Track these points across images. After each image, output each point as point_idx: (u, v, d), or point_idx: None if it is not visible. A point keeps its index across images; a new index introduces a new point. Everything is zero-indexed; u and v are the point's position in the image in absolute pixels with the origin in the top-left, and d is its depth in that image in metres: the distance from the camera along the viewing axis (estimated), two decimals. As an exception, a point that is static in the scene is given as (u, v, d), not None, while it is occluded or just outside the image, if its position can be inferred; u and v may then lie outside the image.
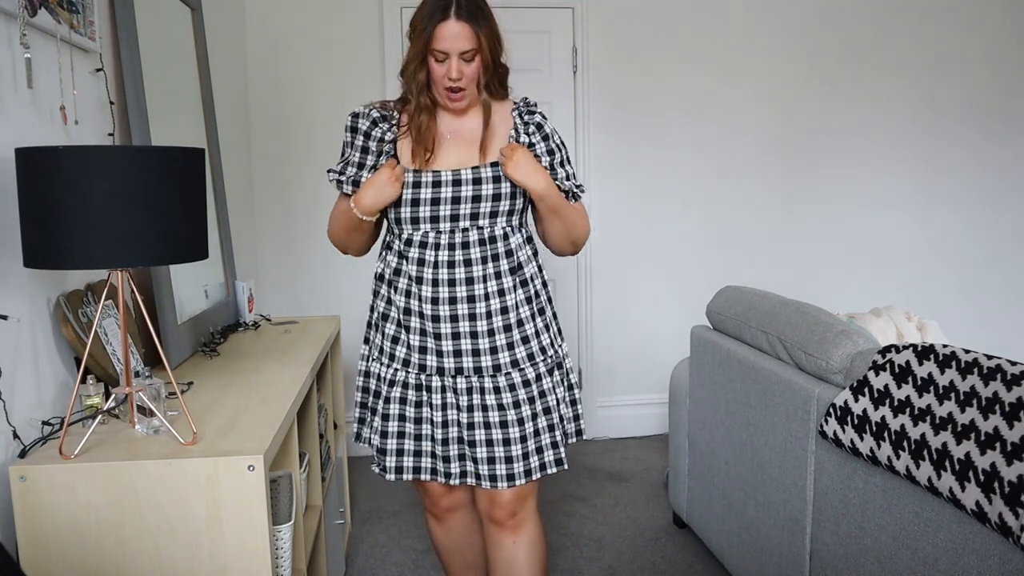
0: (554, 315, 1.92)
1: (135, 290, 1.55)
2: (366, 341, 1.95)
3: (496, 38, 1.76)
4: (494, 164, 1.78)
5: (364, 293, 3.67)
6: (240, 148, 3.43)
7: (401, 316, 1.83)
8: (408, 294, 1.81)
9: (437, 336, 1.79)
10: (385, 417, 1.86)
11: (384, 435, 1.87)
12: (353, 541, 2.89)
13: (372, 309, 1.92)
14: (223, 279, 2.64)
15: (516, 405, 1.81)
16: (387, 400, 1.86)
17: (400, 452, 1.87)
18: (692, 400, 2.69)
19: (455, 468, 1.85)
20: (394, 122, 1.83)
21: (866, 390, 1.73)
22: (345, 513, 2.82)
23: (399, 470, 1.87)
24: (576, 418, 1.95)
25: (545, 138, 1.84)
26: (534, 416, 1.82)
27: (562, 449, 1.87)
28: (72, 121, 1.76)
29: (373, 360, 1.91)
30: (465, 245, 1.78)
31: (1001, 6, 4.07)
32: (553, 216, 1.83)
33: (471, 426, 1.81)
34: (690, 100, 3.89)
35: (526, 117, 1.85)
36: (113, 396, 1.57)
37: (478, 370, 1.80)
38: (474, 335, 1.79)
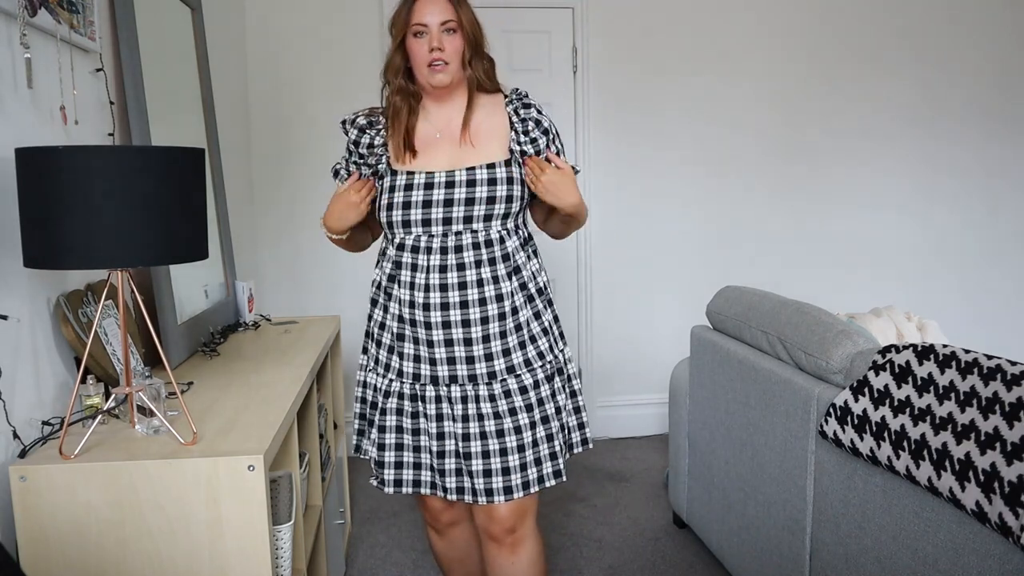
0: (555, 318, 1.86)
1: (135, 290, 1.55)
2: (364, 351, 1.91)
3: (476, 22, 1.74)
4: (490, 165, 1.73)
5: (364, 293, 3.66)
6: (240, 148, 3.43)
7: (396, 324, 1.79)
8: (401, 301, 1.76)
9: (430, 344, 1.75)
10: (381, 429, 1.82)
11: (381, 447, 1.82)
12: (353, 541, 2.89)
13: (369, 318, 1.87)
14: (223, 279, 2.64)
15: (512, 413, 1.75)
16: (383, 412, 1.82)
17: (399, 465, 1.82)
18: (692, 400, 2.69)
19: (452, 483, 1.80)
20: (380, 127, 1.80)
21: (866, 390, 1.73)
22: (345, 513, 2.82)
23: (397, 483, 1.83)
24: (581, 426, 1.88)
25: (545, 132, 1.78)
26: (532, 425, 1.76)
27: (561, 461, 1.80)
28: (72, 121, 1.76)
29: (370, 371, 1.87)
30: (458, 249, 1.72)
31: (1001, 6, 4.07)
32: (566, 224, 1.84)
33: (466, 437, 1.76)
34: (690, 100, 3.89)
35: (522, 112, 1.78)
36: (113, 396, 1.57)
37: (472, 378, 1.75)
38: (468, 342, 1.74)
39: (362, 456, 1.92)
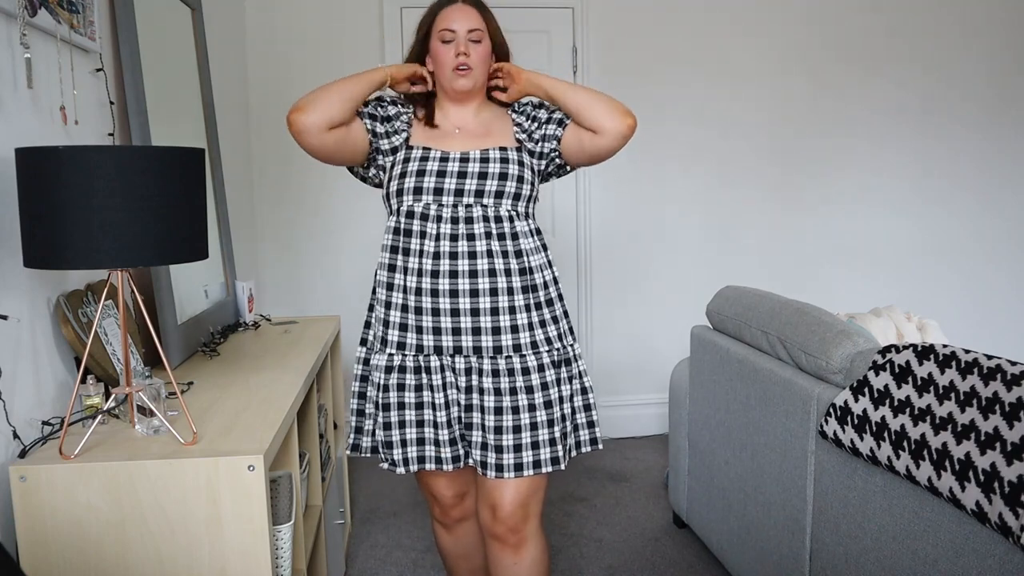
0: (565, 313, 1.86)
1: (135, 290, 1.55)
2: (363, 343, 1.91)
3: (502, 37, 1.86)
4: (502, 148, 1.81)
5: (364, 294, 3.66)
6: (240, 148, 3.43)
7: (401, 296, 1.79)
8: (408, 271, 1.77)
9: (436, 312, 1.75)
10: (386, 408, 1.82)
11: (387, 427, 1.82)
12: (353, 541, 2.89)
13: (371, 306, 1.88)
14: (223, 279, 2.64)
15: (513, 392, 1.75)
16: (386, 389, 1.82)
17: (404, 443, 1.82)
18: (692, 400, 2.69)
19: (460, 451, 1.82)
20: (410, 111, 1.90)
21: (866, 390, 1.73)
22: (345, 513, 2.82)
23: (405, 462, 1.83)
24: (591, 425, 1.86)
25: (541, 106, 1.90)
26: (531, 407, 1.75)
27: (560, 448, 1.79)
28: (72, 121, 1.76)
29: (374, 352, 1.87)
30: (468, 220, 1.75)
31: (999, 7, 4.08)
32: (576, 99, 1.80)
33: (468, 408, 1.78)
34: (690, 100, 3.89)
35: (520, 109, 1.91)
36: (113, 396, 1.57)
37: (477, 350, 1.75)
38: (475, 312, 1.74)
39: (361, 455, 1.91)
